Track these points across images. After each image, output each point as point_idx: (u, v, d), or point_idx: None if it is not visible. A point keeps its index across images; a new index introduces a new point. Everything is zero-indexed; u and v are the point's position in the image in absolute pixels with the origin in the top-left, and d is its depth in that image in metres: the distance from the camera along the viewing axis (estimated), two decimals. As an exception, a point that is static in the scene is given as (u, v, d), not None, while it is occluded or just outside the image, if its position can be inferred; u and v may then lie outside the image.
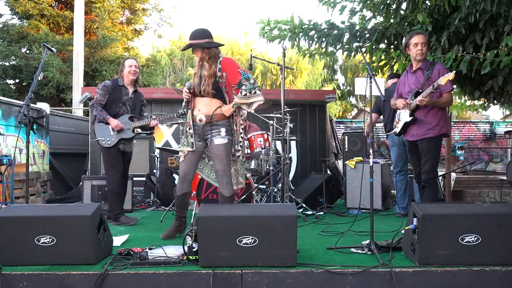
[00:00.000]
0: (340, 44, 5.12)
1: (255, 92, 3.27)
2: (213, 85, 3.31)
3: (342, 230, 3.61)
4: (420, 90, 3.60)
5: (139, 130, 4.37)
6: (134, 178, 5.43)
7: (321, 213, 4.86)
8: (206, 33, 3.39)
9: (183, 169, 3.50)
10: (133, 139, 4.45)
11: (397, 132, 3.91)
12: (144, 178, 6.07)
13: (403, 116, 3.81)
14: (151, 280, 2.45)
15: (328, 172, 6.01)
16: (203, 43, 3.35)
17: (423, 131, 3.68)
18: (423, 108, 3.67)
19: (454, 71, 3.43)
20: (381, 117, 5.02)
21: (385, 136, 10.17)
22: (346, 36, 5.06)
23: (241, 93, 3.27)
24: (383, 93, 3.52)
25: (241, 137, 3.45)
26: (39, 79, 3.46)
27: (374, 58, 4.96)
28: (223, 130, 3.35)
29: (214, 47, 3.37)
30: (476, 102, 5.54)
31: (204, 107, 3.37)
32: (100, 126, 4.29)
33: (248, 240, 2.51)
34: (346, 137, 6.55)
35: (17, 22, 13.46)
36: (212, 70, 3.30)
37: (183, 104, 3.52)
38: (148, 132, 4.71)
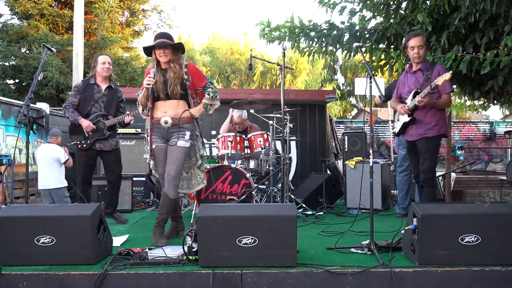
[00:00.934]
0: (340, 44, 5.12)
1: (216, 96, 3.48)
2: (181, 86, 3.34)
3: (342, 230, 3.61)
4: (419, 91, 3.60)
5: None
6: (134, 178, 5.43)
7: (321, 213, 4.86)
8: (172, 37, 3.45)
9: (160, 172, 3.48)
10: (110, 138, 4.31)
11: (396, 132, 3.92)
12: (143, 178, 6.07)
13: (402, 116, 3.82)
14: (150, 280, 2.45)
15: (328, 172, 6.01)
16: (180, 45, 3.42)
17: (422, 131, 3.69)
18: (422, 108, 3.67)
19: (451, 71, 3.42)
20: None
21: (386, 136, 10.17)
22: (346, 36, 5.06)
23: (208, 94, 3.44)
24: (383, 93, 3.52)
25: (202, 141, 3.58)
26: (39, 79, 3.46)
27: (374, 58, 4.95)
28: (188, 133, 3.39)
29: (183, 51, 3.44)
30: (476, 102, 5.53)
31: (171, 109, 3.37)
32: (75, 128, 4.22)
33: (248, 240, 2.52)
34: (346, 137, 6.55)
35: (17, 22, 13.47)
36: (181, 72, 3.35)
37: (140, 92, 3.43)
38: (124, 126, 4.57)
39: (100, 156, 4.34)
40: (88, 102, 4.23)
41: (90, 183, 4.35)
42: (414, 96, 3.65)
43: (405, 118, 3.76)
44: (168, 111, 3.37)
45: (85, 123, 4.15)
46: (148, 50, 3.41)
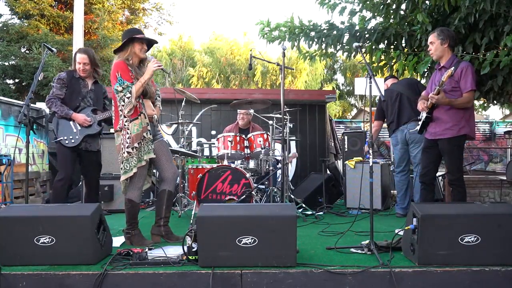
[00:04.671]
0: (340, 45, 5.13)
1: None
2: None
3: (342, 230, 3.61)
4: (439, 88, 3.47)
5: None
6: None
7: (321, 213, 4.86)
8: None
9: (143, 177, 3.35)
10: (99, 136, 4.18)
11: (418, 130, 3.85)
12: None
13: (423, 115, 3.77)
14: (150, 280, 2.45)
15: (328, 172, 6.01)
16: (155, 43, 3.44)
17: (441, 130, 3.61)
18: (441, 107, 3.59)
19: (453, 67, 3.39)
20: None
21: (385, 136, 10.17)
22: (346, 36, 5.06)
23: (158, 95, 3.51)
24: (383, 93, 3.51)
25: None
26: (39, 79, 3.44)
27: (373, 58, 4.95)
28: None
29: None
30: (476, 102, 5.53)
31: (150, 107, 3.37)
32: (61, 123, 3.96)
33: (247, 240, 2.51)
34: (345, 137, 6.54)
35: (17, 22, 13.45)
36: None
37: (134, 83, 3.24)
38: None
39: (81, 156, 4.08)
40: (75, 97, 3.99)
41: (71, 184, 4.10)
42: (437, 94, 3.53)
43: (424, 116, 3.71)
44: (150, 109, 3.36)
45: (81, 117, 3.94)
46: (125, 42, 3.26)
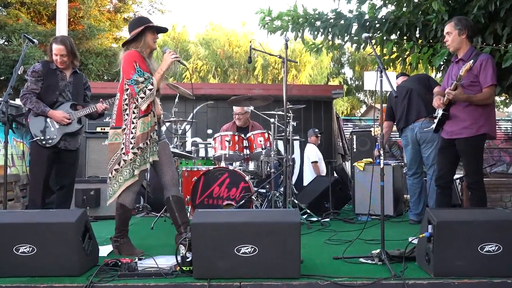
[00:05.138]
0: (348, 36, 5.13)
1: None
2: None
3: (350, 238, 3.60)
4: (457, 82, 3.44)
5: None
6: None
7: (327, 219, 4.86)
8: None
9: (140, 181, 3.34)
10: (79, 134, 4.12)
11: (434, 128, 3.84)
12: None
13: (439, 112, 3.76)
14: (141, 293, 2.44)
15: (335, 174, 6.01)
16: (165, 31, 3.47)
17: (458, 129, 3.59)
18: (458, 103, 3.58)
19: (472, 60, 3.37)
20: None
21: (397, 136, 10.17)
22: (355, 26, 5.07)
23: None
24: (395, 88, 3.50)
25: None
26: (19, 73, 3.44)
27: (385, 50, 4.96)
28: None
29: None
30: (497, 98, 5.54)
31: (158, 106, 3.37)
32: (36, 121, 3.90)
33: (247, 249, 2.51)
34: (354, 137, 6.56)
35: (-6, 10, 13.46)
36: None
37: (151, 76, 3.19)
38: (97, 119, 4.30)
39: (59, 156, 4.00)
40: (52, 91, 3.92)
41: (51, 189, 4.07)
42: (453, 89, 3.50)
43: (440, 114, 3.69)
44: (158, 107, 3.36)
45: (59, 115, 3.87)
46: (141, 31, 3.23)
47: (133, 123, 3.16)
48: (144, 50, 3.28)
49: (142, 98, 3.12)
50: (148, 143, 3.20)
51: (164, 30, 3.42)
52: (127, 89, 3.19)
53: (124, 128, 3.19)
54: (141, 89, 3.12)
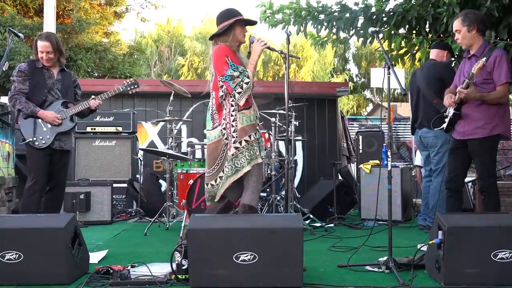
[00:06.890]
0: (354, 30, 5.13)
1: None
2: None
3: (356, 245, 3.61)
4: (469, 81, 3.43)
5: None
6: (114, 185, 5.43)
7: (331, 225, 4.87)
8: None
9: (262, 178, 3.26)
10: (72, 133, 4.15)
11: (444, 128, 3.83)
12: (125, 185, 6.07)
13: (450, 111, 3.76)
14: (133, 303, 2.45)
15: (340, 177, 6.01)
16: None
17: (471, 129, 3.58)
18: (471, 102, 3.56)
19: (485, 58, 3.37)
20: None
21: (406, 136, 10.19)
22: (361, 20, 5.07)
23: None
24: (403, 86, 3.50)
25: None
26: (4, 69, 3.44)
27: (393, 46, 4.96)
28: None
29: None
30: (511, 96, 5.54)
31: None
32: (26, 123, 3.90)
33: (246, 256, 2.52)
34: (360, 137, 6.55)
35: (-23, 2, 13.47)
36: None
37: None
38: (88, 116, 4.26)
39: (53, 157, 3.98)
40: (40, 90, 3.92)
41: (61, 188, 4.10)
42: (465, 87, 3.49)
43: (451, 113, 3.67)
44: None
45: (50, 115, 3.88)
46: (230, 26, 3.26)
47: (232, 115, 3.10)
48: (233, 44, 3.30)
49: (239, 93, 3.08)
50: (254, 136, 3.10)
51: (253, 22, 3.49)
52: (222, 86, 3.14)
53: (224, 123, 3.11)
54: (237, 83, 3.08)
